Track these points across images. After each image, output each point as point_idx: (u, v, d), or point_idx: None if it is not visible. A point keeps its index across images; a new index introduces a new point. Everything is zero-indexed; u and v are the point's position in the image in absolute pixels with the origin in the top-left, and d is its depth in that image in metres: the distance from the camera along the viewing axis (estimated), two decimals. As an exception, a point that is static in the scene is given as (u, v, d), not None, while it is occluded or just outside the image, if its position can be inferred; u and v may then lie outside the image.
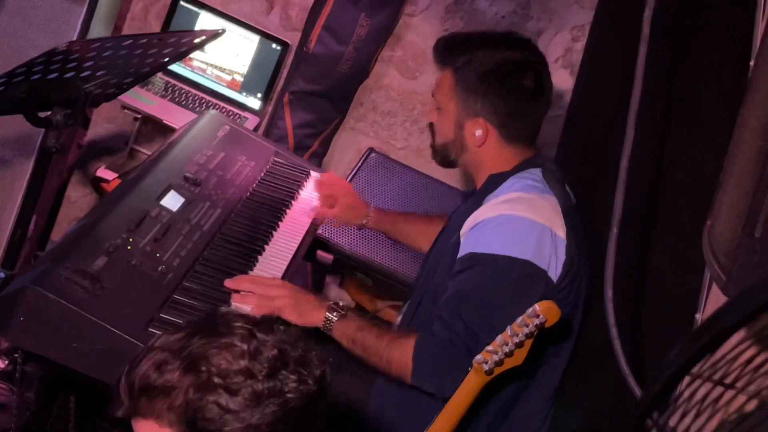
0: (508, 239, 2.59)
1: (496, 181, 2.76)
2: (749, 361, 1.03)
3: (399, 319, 2.97)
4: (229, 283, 2.54)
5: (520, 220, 2.62)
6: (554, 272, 2.61)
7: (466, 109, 2.76)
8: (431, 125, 2.91)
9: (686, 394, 1.03)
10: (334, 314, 2.60)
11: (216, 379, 1.55)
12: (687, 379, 1.07)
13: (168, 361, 1.59)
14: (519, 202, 2.66)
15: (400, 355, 2.57)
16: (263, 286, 2.58)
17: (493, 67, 2.74)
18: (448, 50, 2.82)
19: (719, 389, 1.01)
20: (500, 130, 2.76)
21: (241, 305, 2.52)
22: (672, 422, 1.10)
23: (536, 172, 2.76)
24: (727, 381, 1.02)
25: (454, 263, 2.67)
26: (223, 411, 1.55)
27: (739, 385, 1.00)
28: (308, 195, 3.19)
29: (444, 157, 2.88)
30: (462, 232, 2.70)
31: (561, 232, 2.65)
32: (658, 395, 1.02)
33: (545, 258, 2.60)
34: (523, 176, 2.74)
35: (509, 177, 2.74)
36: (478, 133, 2.75)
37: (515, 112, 2.75)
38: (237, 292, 2.55)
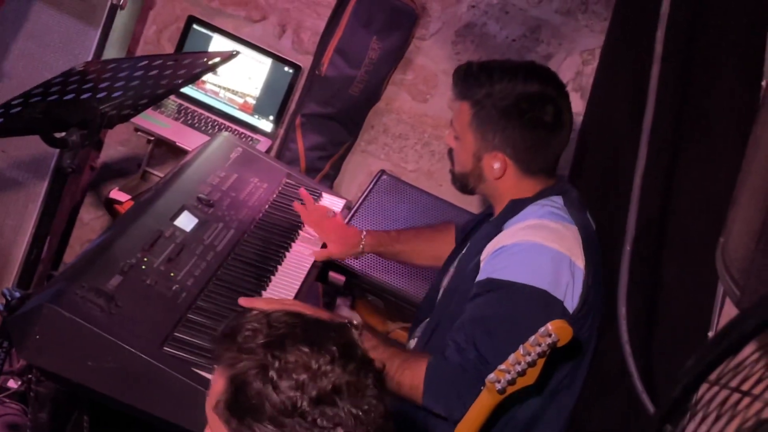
0: (527, 267, 2.58)
1: (516, 206, 2.74)
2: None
3: (414, 342, 2.95)
4: (243, 301, 2.55)
5: (540, 248, 2.60)
6: (570, 303, 2.60)
7: (484, 142, 2.73)
8: (450, 152, 2.88)
9: (704, 400, 1.04)
10: None
11: (271, 372, 1.59)
12: (704, 387, 1.07)
13: (260, 331, 1.65)
14: (540, 229, 2.65)
15: (411, 377, 2.56)
16: (277, 305, 2.58)
17: (512, 102, 2.70)
18: (466, 82, 2.76)
19: (737, 395, 1.02)
20: (518, 164, 2.73)
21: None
22: (689, 430, 1.11)
23: (557, 200, 2.74)
24: (745, 388, 1.02)
25: (472, 287, 2.65)
26: (261, 400, 1.59)
27: (756, 391, 1.01)
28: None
29: (463, 185, 2.86)
30: (482, 257, 2.68)
31: (580, 262, 2.63)
32: (676, 402, 1.02)
33: (562, 288, 2.58)
34: (544, 203, 2.72)
35: (530, 203, 2.73)
36: (497, 166, 2.73)
37: (534, 146, 2.73)
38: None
